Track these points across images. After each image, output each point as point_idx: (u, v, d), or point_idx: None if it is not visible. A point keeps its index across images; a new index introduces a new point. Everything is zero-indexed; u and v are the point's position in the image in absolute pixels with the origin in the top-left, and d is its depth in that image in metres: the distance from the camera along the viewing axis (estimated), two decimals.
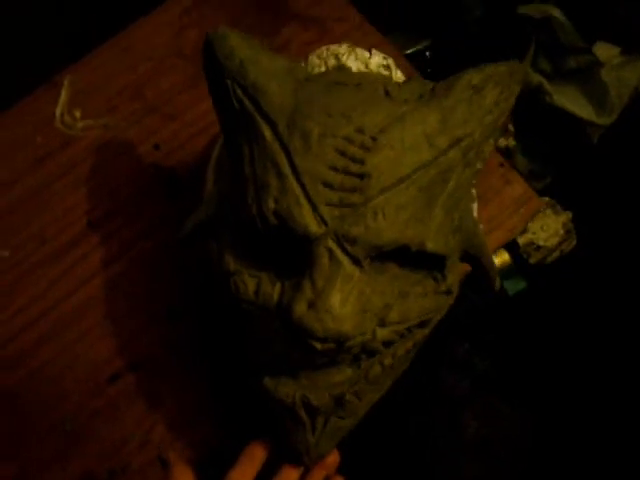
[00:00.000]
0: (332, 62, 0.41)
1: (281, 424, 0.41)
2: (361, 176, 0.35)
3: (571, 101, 0.85)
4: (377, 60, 0.42)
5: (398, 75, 0.43)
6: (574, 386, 0.87)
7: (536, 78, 0.85)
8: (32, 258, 0.57)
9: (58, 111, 0.62)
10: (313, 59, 0.42)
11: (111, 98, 0.63)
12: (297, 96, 0.38)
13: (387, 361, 0.40)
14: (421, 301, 0.39)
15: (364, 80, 0.40)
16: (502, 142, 0.86)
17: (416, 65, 0.66)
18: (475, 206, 0.51)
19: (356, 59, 0.41)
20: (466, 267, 0.45)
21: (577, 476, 0.83)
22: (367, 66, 0.41)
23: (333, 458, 0.44)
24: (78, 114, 0.62)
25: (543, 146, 0.91)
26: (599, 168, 0.93)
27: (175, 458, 0.44)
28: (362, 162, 0.35)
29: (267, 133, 0.37)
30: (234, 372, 0.50)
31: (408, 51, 0.87)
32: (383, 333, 0.38)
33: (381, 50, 0.60)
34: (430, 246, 0.37)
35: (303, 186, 0.36)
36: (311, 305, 0.35)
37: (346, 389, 0.39)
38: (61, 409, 0.53)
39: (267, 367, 0.40)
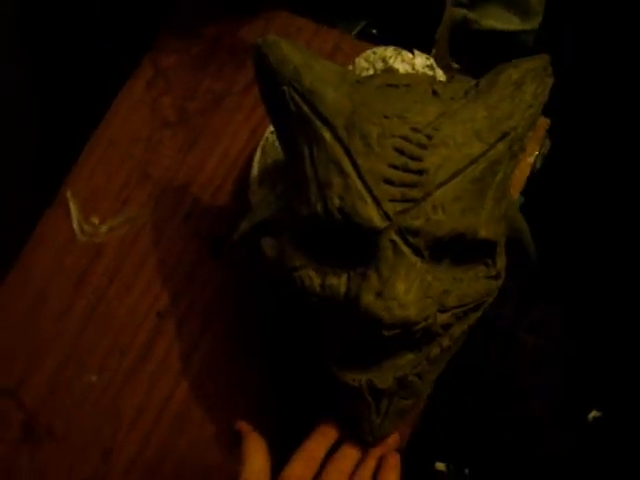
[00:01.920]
0: (380, 65, 0.44)
1: (347, 407, 0.44)
2: (420, 172, 0.38)
3: (497, 19, 0.86)
4: (421, 61, 0.44)
5: (440, 74, 0.46)
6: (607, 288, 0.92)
7: (458, 12, 0.86)
8: (119, 373, 0.57)
9: (75, 225, 0.60)
10: (361, 62, 0.45)
11: (120, 192, 0.62)
12: (352, 99, 0.40)
13: (445, 343, 0.42)
14: (475, 285, 0.42)
15: (412, 81, 0.42)
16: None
17: (371, 42, 0.66)
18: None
19: (402, 61, 0.44)
20: None
21: (630, 379, 0.87)
22: (413, 67, 0.44)
23: (394, 439, 0.46)
24: (96, 220, 0.60)
25: (487, 70, 0.93)
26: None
27: (247, 428, 0.46)
28: (420, 159, 0.38)
29: (327, 135, 0.40)
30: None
31: (353, 33, 0.85)
32: (443, 317, 0.41)
33: (344, 43, 0.63)
34: (483, 234, 0.40)
35: (366, 184, 0.38)
36: (378, 294, 0.38)
37: (409, 371, 0.42)
38: None
39: (333, 354, 0.43)
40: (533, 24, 0.82)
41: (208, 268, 0.59)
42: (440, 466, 0.80)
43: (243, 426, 0.46)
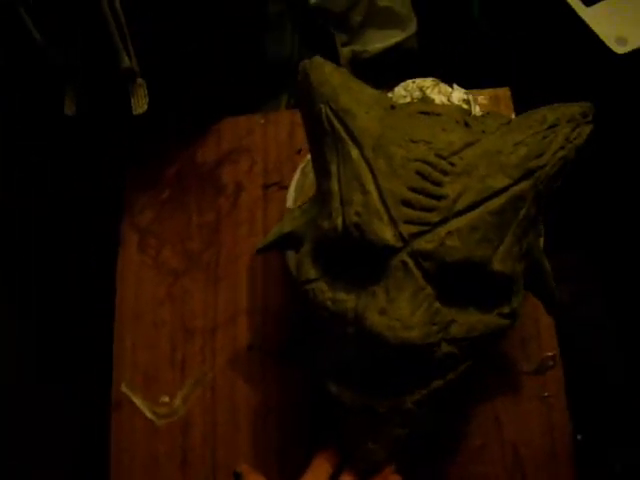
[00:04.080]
0: (417, 94, 0.45)
1: (344, 428, 0.44)
2: (439, 197, 0.38)
3: (378, 40, 0.86)
4: (458, 95, 0.45)
5: (477, 110, 0.46)
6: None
7: (347, 51, 0.86)
8: None
9: (149, 415, 0.57)
10: (399, 90, 0.46)
11: (172, 360, 0.58)
12: (383, 122, 0.41)
13: (449, 376, 0.42)
14: (485, 320, 0.41)
15: (445, 111, 0.43)
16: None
17: None
18: (541, 240, 0.53)
19: (439, 92, 0.45)
20: None
21: None
22: (449, 99, 0.45)
23: (390, 469, 0.45)
24: (166, 398, 0.57)
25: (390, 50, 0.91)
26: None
27: (248, 470, 0.46)
28: (440, 185, 0.39)
29: (354, 153, 0.41)
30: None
31: (284, 106, 0.83)
32: (448, 347, 0.40)
33: (297, 116, 0.58)
34: (497, 267, 0.39)
35: (385, 204, 0.39)
36: (382, 312, 0.38)
37: (407, 398, 0.42)
38: None
39: (335, 372, 0.43)
40: (411, 28, 0.85)
41: (296, 381, 0.56)
42: None
43: (244, 468, 0.46)
